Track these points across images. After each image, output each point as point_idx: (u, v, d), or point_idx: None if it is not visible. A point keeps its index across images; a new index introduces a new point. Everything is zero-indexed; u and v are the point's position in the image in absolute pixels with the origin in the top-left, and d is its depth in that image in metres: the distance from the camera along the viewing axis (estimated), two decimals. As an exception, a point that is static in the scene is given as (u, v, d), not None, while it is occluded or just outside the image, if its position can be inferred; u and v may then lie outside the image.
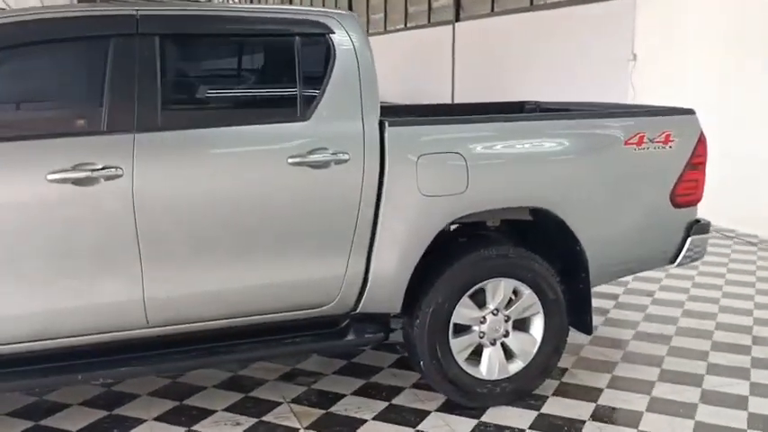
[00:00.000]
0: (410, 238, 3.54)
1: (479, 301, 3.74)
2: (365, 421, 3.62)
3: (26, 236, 3.05)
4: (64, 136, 3.15)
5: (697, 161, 4.02)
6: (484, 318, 3.74)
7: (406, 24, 17.99)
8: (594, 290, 3.98)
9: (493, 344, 3.78)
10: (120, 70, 3.17)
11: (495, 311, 3.75)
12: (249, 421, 3.60)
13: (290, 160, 3.33)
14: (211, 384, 3.99)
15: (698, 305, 5.37)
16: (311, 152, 3.36)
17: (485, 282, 3.69)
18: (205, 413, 3.67)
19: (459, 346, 3.71)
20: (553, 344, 3.83)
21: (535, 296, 3.78)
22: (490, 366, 3.78)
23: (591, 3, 10.05)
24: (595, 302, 4.20)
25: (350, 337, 3.62)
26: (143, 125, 3.18)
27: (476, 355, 3.77)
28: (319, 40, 3.49)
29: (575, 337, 4.11)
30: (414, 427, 3.57)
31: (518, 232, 4.13)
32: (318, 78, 3.48)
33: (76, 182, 3.06)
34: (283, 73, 3.50)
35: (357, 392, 3.93)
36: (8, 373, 3.15)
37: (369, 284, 3.54)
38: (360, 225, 3.47)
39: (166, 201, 3.20)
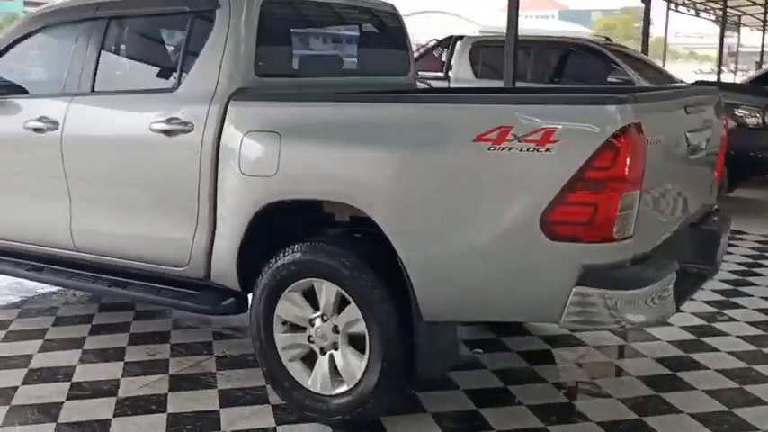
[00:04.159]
0: (234, 216, 3.43)
1: (315, 301, 3.34)
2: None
3: (15, 168, 4.23)
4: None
5: (596, 176, 2.66)
6: (313, 321, 3.33)
7: None
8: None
9: (323, 353, 3.34)
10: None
11: (324, 317, 3.30)
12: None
13: (153, 126, 3.63)
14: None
15: None
16: (168, 120, 3.59)
17: (306, 280, 3.28)
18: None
19: (283, 343, 3.40)
20: (376, 375, 3.14)
21: (359, 311, 3.17)
22: (314, 377, 3.34)
23: None
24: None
25: (196, 302, 3.69)
26: (73, 90, 3.97)
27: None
28: (206, 16, 3.64)
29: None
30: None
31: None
32: (195, 52, 3.65)
33: (36, 129, 4.06)
34: (171, 46, 3.78)
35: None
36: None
37: (213, 256, 3.58)
38: (202, 195, 3.54)
39: (75, 151, 3.93)
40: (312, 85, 3.86)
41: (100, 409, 3.47)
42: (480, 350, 4.23)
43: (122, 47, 4.02)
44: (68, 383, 3.73)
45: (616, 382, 3.88)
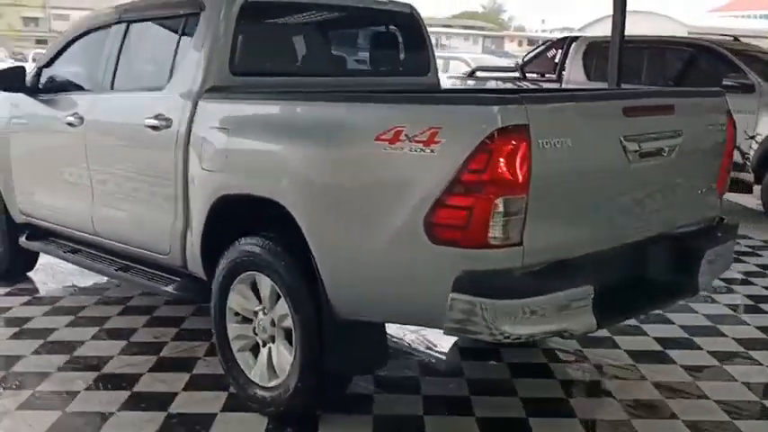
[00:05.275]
0: (196, 208, 3.61)
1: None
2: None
3: (58, 160, 4.65)
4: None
5: (472, 178, 2.55)
6: (257, 313, 3.42)
7: None
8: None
9: (264, 345, 3.41)
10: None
11: (264, 310, 3.38)
12: None
13: (146, 122, 3.87)
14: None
15: None
16: (156, 116, 3.81)
17: (249, 273, 3.38)
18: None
19: (233, 333, 3.51)
20: (298, 372, 3.17)
21: (287, 306, 3.21)
22: (256, 368, 3.44)
23: None
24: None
25: (170, 287, 3.88)
26: (97, 88, 4.32)
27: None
28: (193, 19, 3.82)
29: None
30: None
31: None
32: (183, 52, 3.85)
33: (70, 124, 4.45)
34: (164, 50, 3.97)
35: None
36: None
37: (186, 246, 3.76)
38: (177, 188, 3.73)
39: (94, 145, 4.27)
40: (300, 85, 3.93)
41: (77, 382, 3.76)
42: (494, 362, 4.11)
43: (133, 49, 4.28)
44: (67, 356, 4.07)
45: (593, 404, 3.63)
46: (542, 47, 9.80)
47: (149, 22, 4.24)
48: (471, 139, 2.54)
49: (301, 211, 3.06)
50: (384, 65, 4.44)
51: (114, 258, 4.35)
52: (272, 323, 3.35)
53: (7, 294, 5.15)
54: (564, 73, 8.79)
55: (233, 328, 3.52)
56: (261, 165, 3.25)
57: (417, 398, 3.63)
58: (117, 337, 4.37)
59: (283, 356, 3.30)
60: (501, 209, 2.54)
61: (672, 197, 3.26)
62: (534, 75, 9.28)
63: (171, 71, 3.89)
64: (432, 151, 2.63)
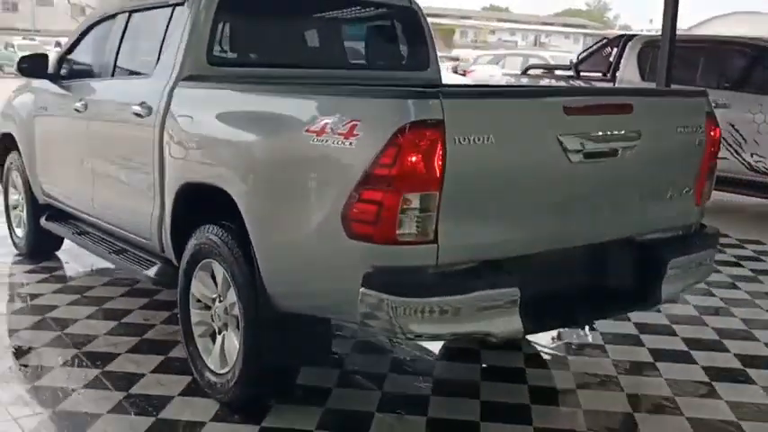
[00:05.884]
0: (167, 195, 3.68)
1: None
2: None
3: (69, 144, 4.83)
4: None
5: (381, 173, 2.50)
6: (215, 300, 3.46)
7: None
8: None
9: (219, 333, 3.45)
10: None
11: (220, 297, 3.41)
12: None
13: (132, 109, 3.98)
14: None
15: None
16: (140, 104, 3.91)
17: (207, 261, 3.41)
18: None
19: (195, 319, 3.57)
20: (241, 363, 3.19)
21: (235, 295, 3.23)
22: (211, 355, 3.47)
23: None
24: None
25: (150, 271, 3.96)
26: (101, 74, 4.47)
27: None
28: (179, 9, 3.89)
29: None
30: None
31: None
32: (168, 42, 3.92)
33: (76, 110, 4.61)
34: (155, 39, 4.04)
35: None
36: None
37: (162, 232, 3.84)
38: (155, 175, 3.81)
39: (93, 130, 4.42)
40: (286, 77, 3.94)
41: (56, 357, 3.90)
42: (470, 364, 4.03)
43: (131, 37, 4.39)
44: (58, 333, 4.23)
45: (555, 413, 3.50)
46: (597, 45, 9.50)
47: (146, 12, 4.33)
48: (384, 133, 2.50)
49: (242, 200, 3.09)
50: (378, 58, 4.40)
51: (113, 241, 4.49)
52: (226, 311, 3.39)
53: (30, 272, 5.41)
54: (618, 73, 8.49)
55: (195, 314, 3.58)
56: (212, 153, 3.30)
57: (377, 394, 3.60)
58: (111, 317, 4.50)
59: (232, 344, 3.33)
60: (412, 205, 2.49)
61: (630, 201, 3.10)
62: (598, 73, 8.94)
63: (157, 60, 3.98)
64: (350, 144, 2.60)
